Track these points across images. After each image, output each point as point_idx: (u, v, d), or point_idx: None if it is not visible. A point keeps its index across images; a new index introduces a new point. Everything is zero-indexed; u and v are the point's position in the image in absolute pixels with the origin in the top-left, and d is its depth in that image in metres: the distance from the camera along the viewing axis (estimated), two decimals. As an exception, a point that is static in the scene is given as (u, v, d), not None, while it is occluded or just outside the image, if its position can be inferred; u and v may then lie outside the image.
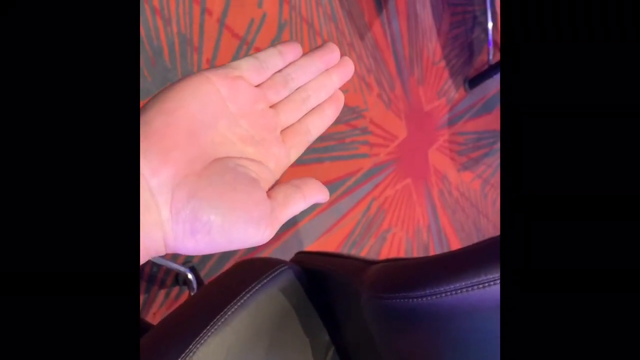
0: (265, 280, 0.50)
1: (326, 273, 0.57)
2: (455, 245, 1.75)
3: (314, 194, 0.33)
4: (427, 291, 0.38)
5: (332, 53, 0.34)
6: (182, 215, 0.28)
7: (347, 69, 0.35)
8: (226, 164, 0.30)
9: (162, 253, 0.29)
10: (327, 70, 0.34)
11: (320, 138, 1.35)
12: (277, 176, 0.33)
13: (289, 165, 0.34)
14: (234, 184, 0.29)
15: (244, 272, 0.53)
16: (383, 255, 1.49)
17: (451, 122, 1.73)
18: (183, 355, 0.45)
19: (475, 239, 1.84)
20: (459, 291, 0.36)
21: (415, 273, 0.40)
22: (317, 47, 0.34)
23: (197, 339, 0.45)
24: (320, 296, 0.57)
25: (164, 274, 1.00)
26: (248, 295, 0.48)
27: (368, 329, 0.48)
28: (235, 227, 0.29)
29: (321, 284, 0.58)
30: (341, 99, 0.35)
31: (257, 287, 0.49)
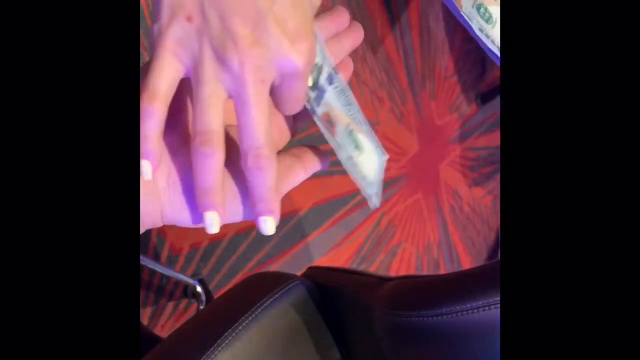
0: (277, 295, 0.49)
1: (338, 289, 0.57)
2: (466, 262, 1.74)
3: (315, 163, 0.32)
4: (444, 309, 0.37)
5: (341, 17, 0.32)
6: (180, 185, 0.27)
7: (357, 34, 0.32)
8: (227, 133, 0.29)
9: (159, 225, 0.28)
10: (336, 35, 0.32)
11: (331, 151, 1.35)
12: (280, 147, 0.32)
13: (295, 134, 0.32)
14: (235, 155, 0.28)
15: (255, 286, 0.52)
16: (393, 271, 1.48)
17: (463, 138, 1.72)
18: (192, 370, 0.44)
19: (485, 256, 1.82)
20: (475, 310, 0.36)
21: (431, 291, 0.39)
22: (326, 11, 0.32)
23: (208, 352, 0.44)
24: (332, 312, 0.56)
25: (172, 286, 1.00)
26: (260, 309, 0.48)
27: (379, 346, 0.47)
28: (234, 202, 0.28)
29: (333, 300, 0.57)
30: (350, 65, 0.33)
31: (269, 302, 0.48)
